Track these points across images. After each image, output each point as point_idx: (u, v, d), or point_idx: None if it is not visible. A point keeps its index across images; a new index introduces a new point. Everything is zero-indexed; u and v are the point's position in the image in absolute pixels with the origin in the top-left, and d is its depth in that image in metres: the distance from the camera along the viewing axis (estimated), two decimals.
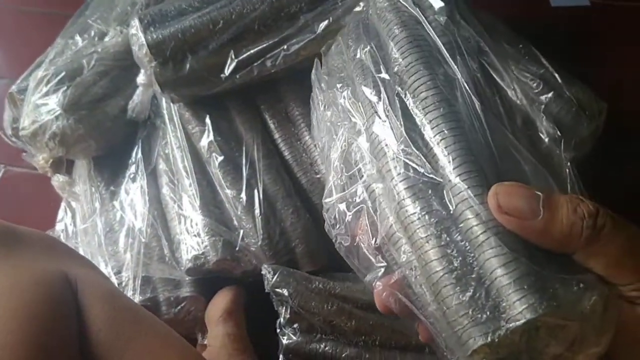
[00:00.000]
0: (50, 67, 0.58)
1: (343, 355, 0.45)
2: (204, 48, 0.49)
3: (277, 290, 0.46)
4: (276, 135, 0.54)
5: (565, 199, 0.26)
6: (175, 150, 0.54)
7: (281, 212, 0.50)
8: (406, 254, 0.28)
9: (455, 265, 0.26)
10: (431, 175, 0.28)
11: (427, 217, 0.27)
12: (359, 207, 0.30)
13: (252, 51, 0.50)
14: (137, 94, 0.56)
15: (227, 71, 0.49)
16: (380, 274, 0.29)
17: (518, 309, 0.24)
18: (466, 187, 0.27)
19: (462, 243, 0.26)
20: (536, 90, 0.53)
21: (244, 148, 0.52)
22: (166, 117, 0.55)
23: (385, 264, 0.30)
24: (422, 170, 0.28)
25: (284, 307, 0.46)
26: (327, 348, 0.46)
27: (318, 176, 0.52)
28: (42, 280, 0.29)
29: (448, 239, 0.26)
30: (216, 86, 0.51)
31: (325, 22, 0.49)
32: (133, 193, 0.54)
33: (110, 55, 0.60)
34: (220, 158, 0.51)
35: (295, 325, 0.46)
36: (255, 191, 0.50)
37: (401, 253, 0.28)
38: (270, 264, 0.48)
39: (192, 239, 0.50)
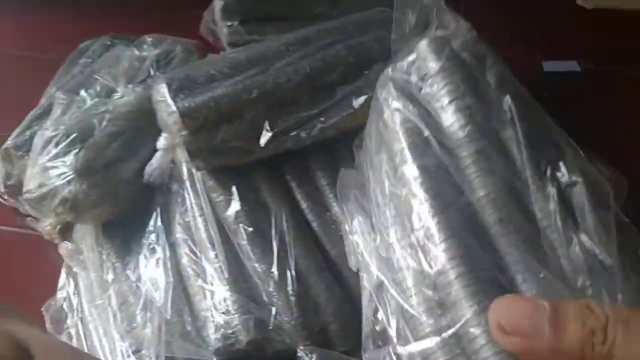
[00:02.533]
0: (59, 127, 0.54)
1: None
2: (238, 117, 0.48)
3: None
4: (304, 205, 0.53)
5: (573, 310, 0.22)
6: (198, 219, 0.51)
7: (314, 287, 0.49)
8: None
9: None
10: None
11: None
12: None
13: (288, 122, 0.49)
14: (156, 159, 0.53)
15: (263, 142, 0.48)
16: None
17: None
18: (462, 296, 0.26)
19: None
20: None
21: (272, 219, 0.50)
22: (187, 183, 0.53)
23: None
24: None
25: None
26: None
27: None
28: None
29: None
30: (249, 157, 0.50)
31: (364, 98, 0.49)
32: (153, 265, 0.51)
33: (122, 115, 0.57)
34: (250, 229, 0.49)
35: None
36: (287, 265, 0.48)
37: None
38: (305, 344, 0.46)
39: (221, 316, 0.47)
